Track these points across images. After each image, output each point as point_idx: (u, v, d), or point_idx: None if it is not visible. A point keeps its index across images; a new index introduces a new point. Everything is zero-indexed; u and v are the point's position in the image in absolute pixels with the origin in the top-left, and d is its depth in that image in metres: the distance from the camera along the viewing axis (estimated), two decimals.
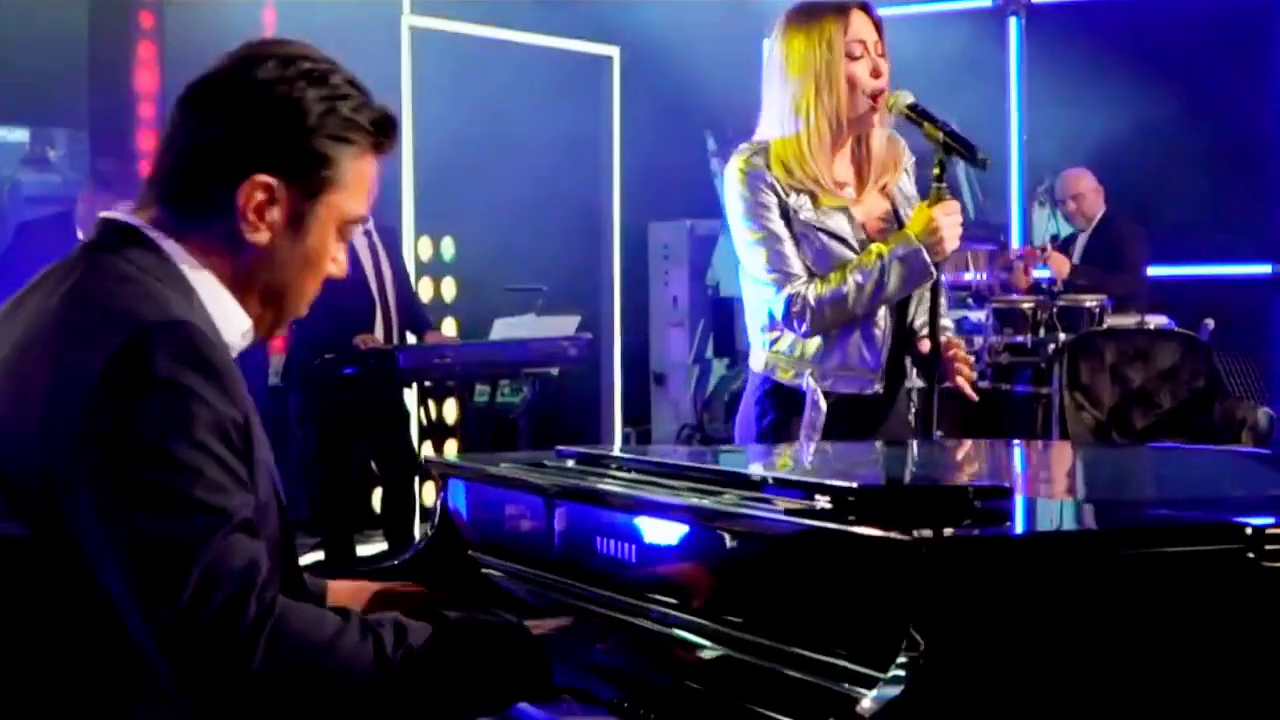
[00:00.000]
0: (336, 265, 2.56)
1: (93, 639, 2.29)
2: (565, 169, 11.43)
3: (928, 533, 2.23)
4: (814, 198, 4.42)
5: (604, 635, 2.77)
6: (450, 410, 11.00)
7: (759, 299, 4.53)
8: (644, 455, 3.39)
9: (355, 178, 2.50)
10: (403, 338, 9.18)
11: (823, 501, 2.49)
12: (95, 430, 2.23)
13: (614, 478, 3.09)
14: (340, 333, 8.72)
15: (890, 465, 3.78)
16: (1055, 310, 9.19)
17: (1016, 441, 4.45)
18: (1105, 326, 8.96)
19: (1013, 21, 11.68)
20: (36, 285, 2.44)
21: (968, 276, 10.01)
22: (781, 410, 4.50)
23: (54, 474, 2.24)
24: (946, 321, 4.65)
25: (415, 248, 10.90)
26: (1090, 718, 2.24)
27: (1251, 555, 2.33)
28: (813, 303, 4.38)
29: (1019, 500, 2.51)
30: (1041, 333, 9.21)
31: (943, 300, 4.54)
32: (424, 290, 10.96)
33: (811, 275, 4.41)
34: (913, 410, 4.49)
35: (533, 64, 11.28)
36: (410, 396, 10.15)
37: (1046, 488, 3.50)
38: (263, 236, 2.44)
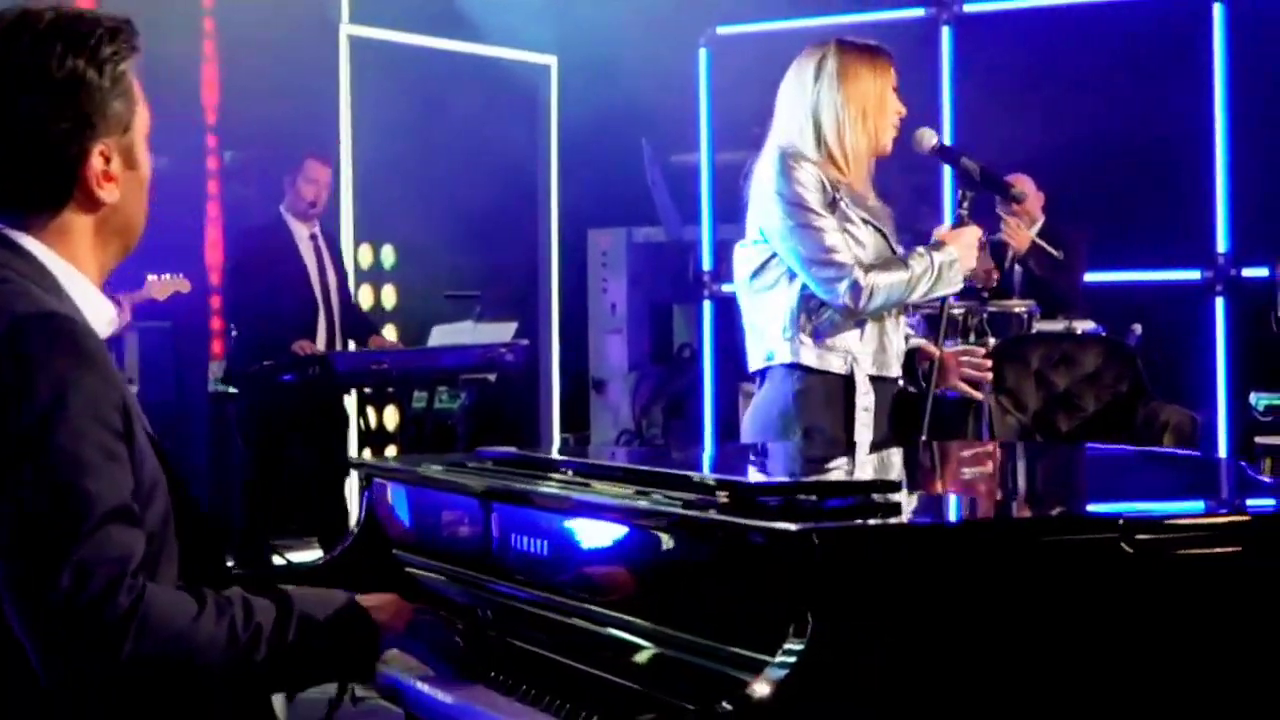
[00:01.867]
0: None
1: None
2: (504, 177, 11.50)
3: (808, 525, 2.33)
4: (849, 198, 4.81)
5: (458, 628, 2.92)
6: (391, 416, 11.07)
7: (790, 289, 4.82)
8: (564, 456, 3.49)
9: (138, 91, 2.61)
10: (345, 343, 9.27)
11: (723, 496, 2.60)
12: None
13: (530, 477, 3.18)
14: (283, 337, 8.82)
15: (794, 462, 3.90)
16: (985, 316, 9.30)
17: (934, 442, 4.56)
18: (1034, 331, 9.06)
19: (945, 31, 11.77)
20: None
21: None
22: (818, 395, 4.78)
23: None
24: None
25: (355, 255, 10.96)
26: (969, 698, 2.35)
27: (1124, 544, 2.45)
28: (877, 284, 4.71)
29: (905, 495, 2.61)
30: (972, 338, 9.31)
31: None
32: (364, 297, 11.03)
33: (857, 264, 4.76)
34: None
35: (471, 73, 11.34)
36: (350, 402, 10.23)
37: (941, 484, 3.62)
38: (115, 193, 2.57)
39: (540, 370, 11.89)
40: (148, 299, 8.70)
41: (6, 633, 2.35)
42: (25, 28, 2.53)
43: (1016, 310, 9.27)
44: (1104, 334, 9.21)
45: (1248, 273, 10.66)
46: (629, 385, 12.61)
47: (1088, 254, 9.86)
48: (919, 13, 11.81)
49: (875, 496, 2.54)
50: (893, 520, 2.48)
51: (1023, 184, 10.01)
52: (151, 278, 8.69)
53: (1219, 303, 11.05)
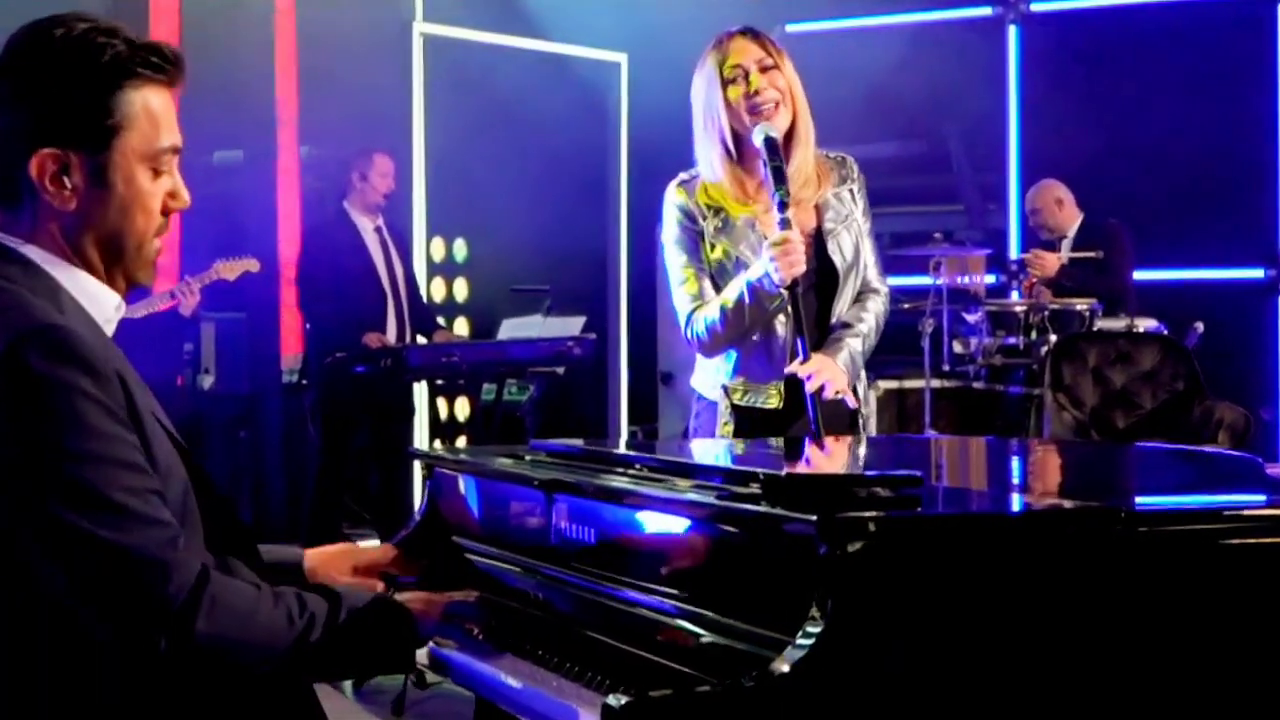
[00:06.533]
0: (176, 199, 2.71)
1: (40, 630, 2.50)
2: (574, 173, 11.60)
3: (830, 515, 2.46)
4: (728, 219, 4.67)
5: (497, 609, 3.12)
6: (462, 408, 11.23)
7: None
8: (610, 449, 3.63)
9: (141, 114, 2.62)
10: (414, 335, 9.46)
11: (754, 487, 2.74)
12: None
13: (579, 468, 3.32)
14: (353, 330, 9.02)
15: (823, 456, 4.03)
16: (1047, 313, 9.40)
17: (967, 438, 4.66)
18: (1096, 329, 9.15)
19: (1011, 30, 11.85)
20: None
21: (963, 280, 10.22)
22: (708, 423, 4.78)
23: None
24: (863, 327, 4.77)
25: (428, 249, 11.11)
26: (975, 680, 2.50)
27: (1127, 535, 2.59)
28: (698, 331, 4.66)
29: (921, 489, 2.74)
30: (1034, 335, 9.41)
31: (855, 312, 4.76)
32: (437, 290, 11.17)
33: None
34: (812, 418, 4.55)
35: (542, 70, 11.44)
36: (422, 394, 10.40)
37: (964, 479, 3.75)
38: (70, 202, 2.60)
39: (608, 363, 11.99)
40: (217, 280, 8.87)
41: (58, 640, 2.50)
42: (45, 35, 2.60)
43: (1078, 308, 9.36)
44: (1164, 332, 9.28)
45: None
46: None
47: (1132, 247, 9.89)
48: (986, 11, 11.89)
49: (896, 489, 2.67)
50: (911, 511, 2.61)
51: (1050, 190, 10.09)
52: (220, 261, 8.88)
53: None
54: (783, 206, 4.48)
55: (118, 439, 2.48)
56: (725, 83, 4.62)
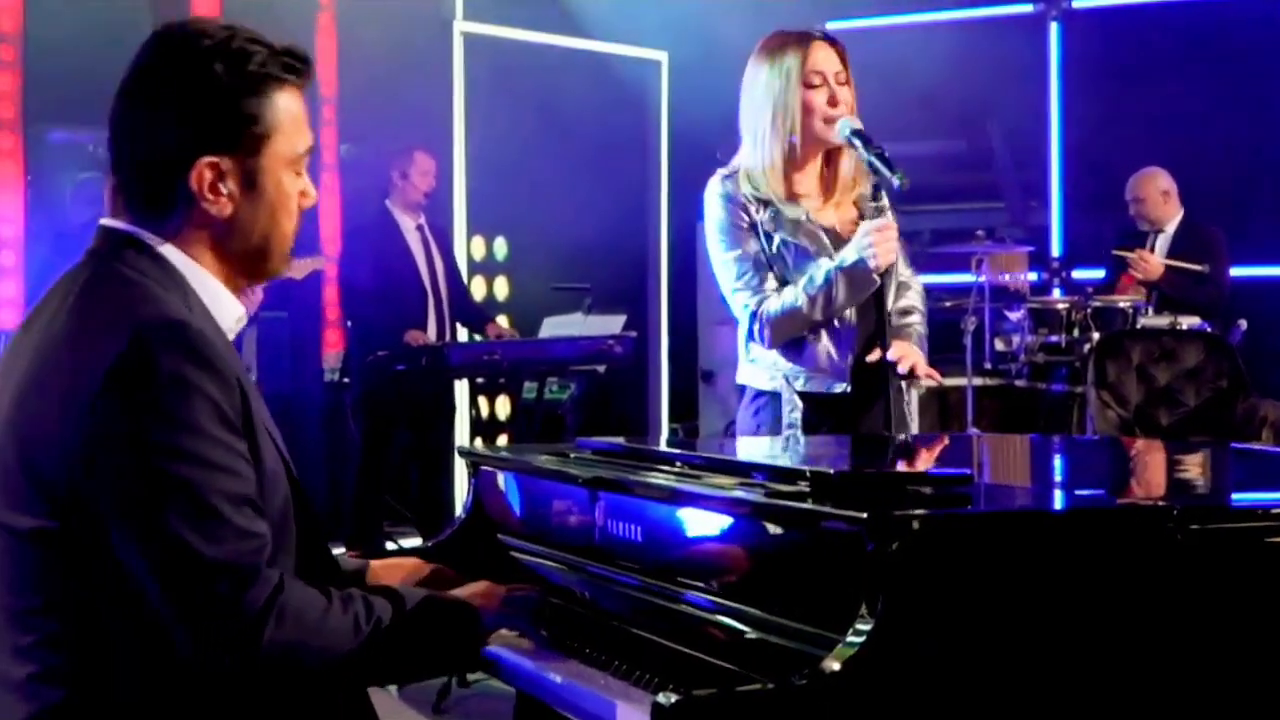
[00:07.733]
0: (307, 198, 2.79)
1: (120, 614, 2.53)
2: (614, 170, 11.61)
3: (881, 512, 2.45)
4: (779, 212, 4.68)
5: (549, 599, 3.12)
6: (503, 406, 11.24)
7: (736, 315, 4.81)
8: (657, 447, 3.62)
9: (286, 119, 2.71)
10: (455, 332, 9.48)
11: (803, 485, 2.74)
12: (109, 429, 2.46)
13: (627, 467, 3.32)
14: (395, 328, 9.03)
15: (870, 454, 4.03)
16: (1090, 310, 9.37)
17: (1009, 435, 4.64)
18: (1139, 326, 9.11)
19: (1053, 26, 11.83)
20: (53, 291, 2.69)
21: (1005, 277, 10.17)
22: (769, 415, 4.76)
23: (76, 473, 2.47)
24: (918, 315, 4.89)
25: (468, 247, 11.12)
26: (1024, 678, 2.49)
27: (1178, 533, 2.58)
28: (772, 315, 4.65)
29: (970, 487, 2.73)
30: (1076, 332, 9.39)
31: (906, 302, 4.85)
32: (477, 289, 11.19)
33: (777, 288, 4.67)
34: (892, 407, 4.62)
35: (583, 68, 11.46)
36: (463, 393, 10.41)
37: (1012, 477, 3.73)
38: (226, 208, 2.68)
39: (649, 361, 12.00)
40: (283, 278, 8.86)
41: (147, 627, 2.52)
42: (189, 42, 2.67)
43: (1120, 305, 9.33)
44: (1208, 329, 9.23)
45: None
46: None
47: (1228, 254, 9.80)
48: (1027, 9, 11.87)
49: (946, 487, 2.67)
50: (962, 509, 2.61)
51: (1154, 180, 9.98)
52: None
53: None
54: (879, 193, 4.58)
55: (226, 444, 2.52)
56: (808, 86, 4.67)
